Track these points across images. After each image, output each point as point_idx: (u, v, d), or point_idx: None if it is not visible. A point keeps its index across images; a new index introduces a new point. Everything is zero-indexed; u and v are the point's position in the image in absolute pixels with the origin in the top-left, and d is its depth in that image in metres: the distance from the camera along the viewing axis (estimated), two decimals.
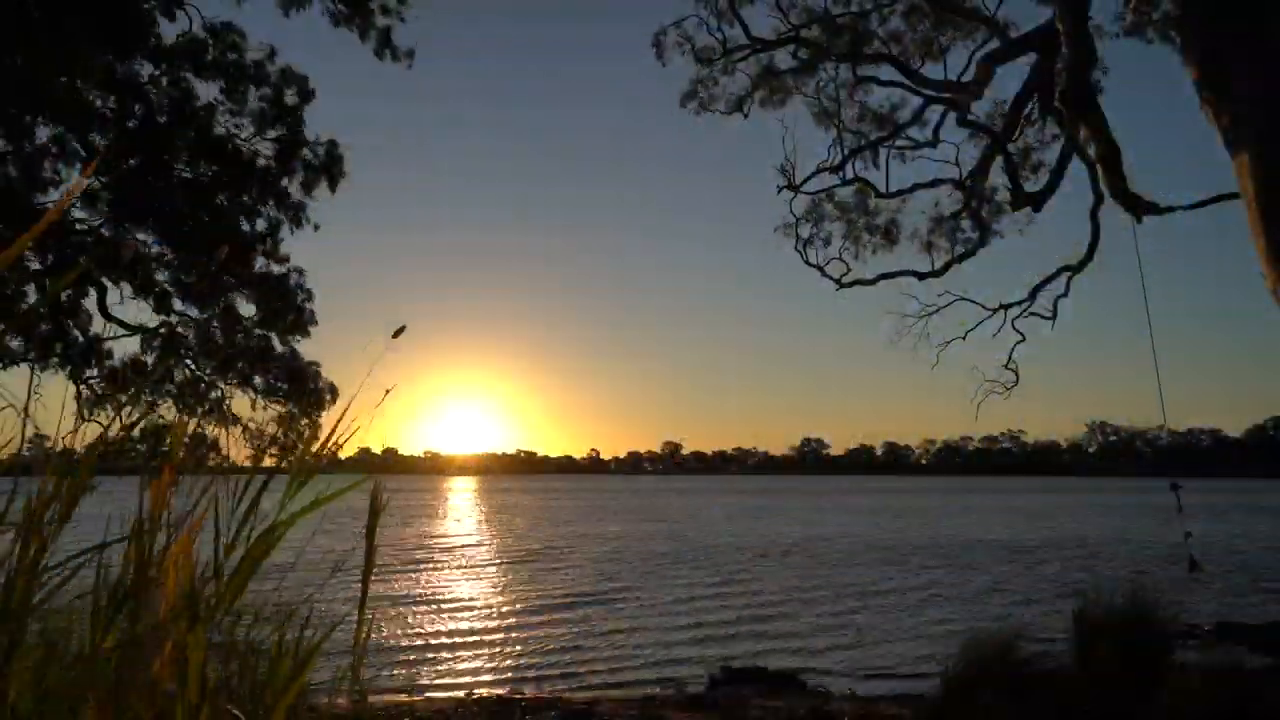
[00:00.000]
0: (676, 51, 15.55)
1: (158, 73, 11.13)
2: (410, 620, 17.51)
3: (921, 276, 15.07)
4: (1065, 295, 14.12)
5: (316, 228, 12.56)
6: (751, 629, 16.43)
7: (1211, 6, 5.91)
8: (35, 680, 1.26)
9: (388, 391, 1.81)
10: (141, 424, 11.46)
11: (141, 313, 11.83)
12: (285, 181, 11.98)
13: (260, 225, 12.16)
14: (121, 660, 1.22)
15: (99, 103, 10.64)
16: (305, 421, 12.20)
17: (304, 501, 1.38)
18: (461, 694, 10.80)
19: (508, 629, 16.67)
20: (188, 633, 1.18)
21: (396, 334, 1.83)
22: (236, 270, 11.67)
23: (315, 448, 1.44)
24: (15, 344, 11.00)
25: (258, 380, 12.21)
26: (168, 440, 1.50)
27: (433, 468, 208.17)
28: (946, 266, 15.09)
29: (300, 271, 12.59)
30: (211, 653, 1.39)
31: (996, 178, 14.07)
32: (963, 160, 15.29)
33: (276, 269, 12.49)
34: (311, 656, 1.41)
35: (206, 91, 11.71)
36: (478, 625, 17.16)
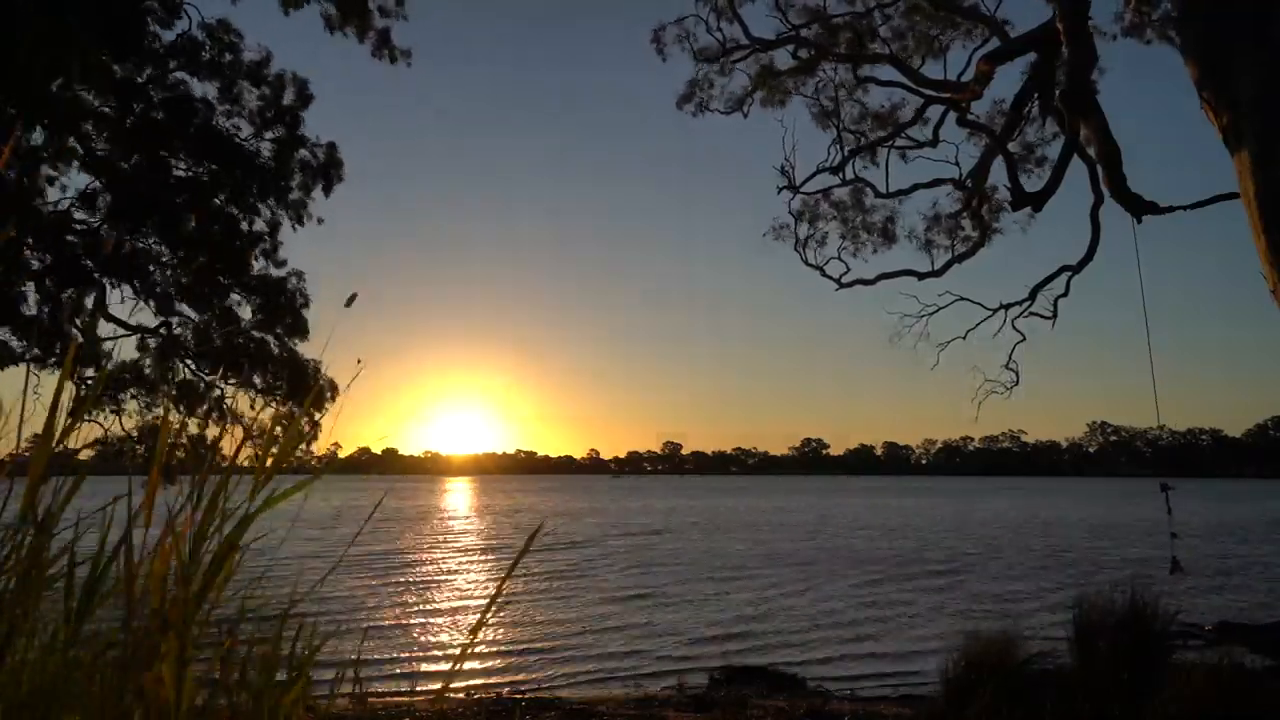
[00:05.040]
0: (675, 49, 15.62)
1: (156, 72, 11.13)
2: (411, 620, 17.51)
3: (921, 276, 15.08)
4: (1065, 295, 14.12)
5: (320, 221, 12.57)
6: (752, 628, 16.42)
7: (1212, 6, 5.90)
8: (33, 677, 1.25)
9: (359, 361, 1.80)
10: (138, 425, 11.46)
11: (141, 313, 11.84)
12: (285, 181, 12.00)
13: (259, 225, 12.17)
14: (117, 663, 1.21)
15: (97, 103, 10.63)
16: (305, 420, 12.19)
17: (311, 503, 1.37)
18: (461, 694, 10.79)
19: (508, 629, 16.66)
20: (162, 640, 1.18)
21: (348, 302, 1.84)
22: (235, 272, 11.68)
23: (297, 445, 1.43)
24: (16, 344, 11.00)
25: (256, 380, 12.22)
26: (160, 441, 1.49)
27: (432, 468, 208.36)
28: (946, 266, 15.10)
29: (299, 276, 12.61)
30: (207, 655, 1.39)
31: (996, 177, 14.08)
32: (962, 160, 15.31)
33: (275, 272, 12.50)
34: (308, 662, 1.40)
35: (205, 91, 11.73)
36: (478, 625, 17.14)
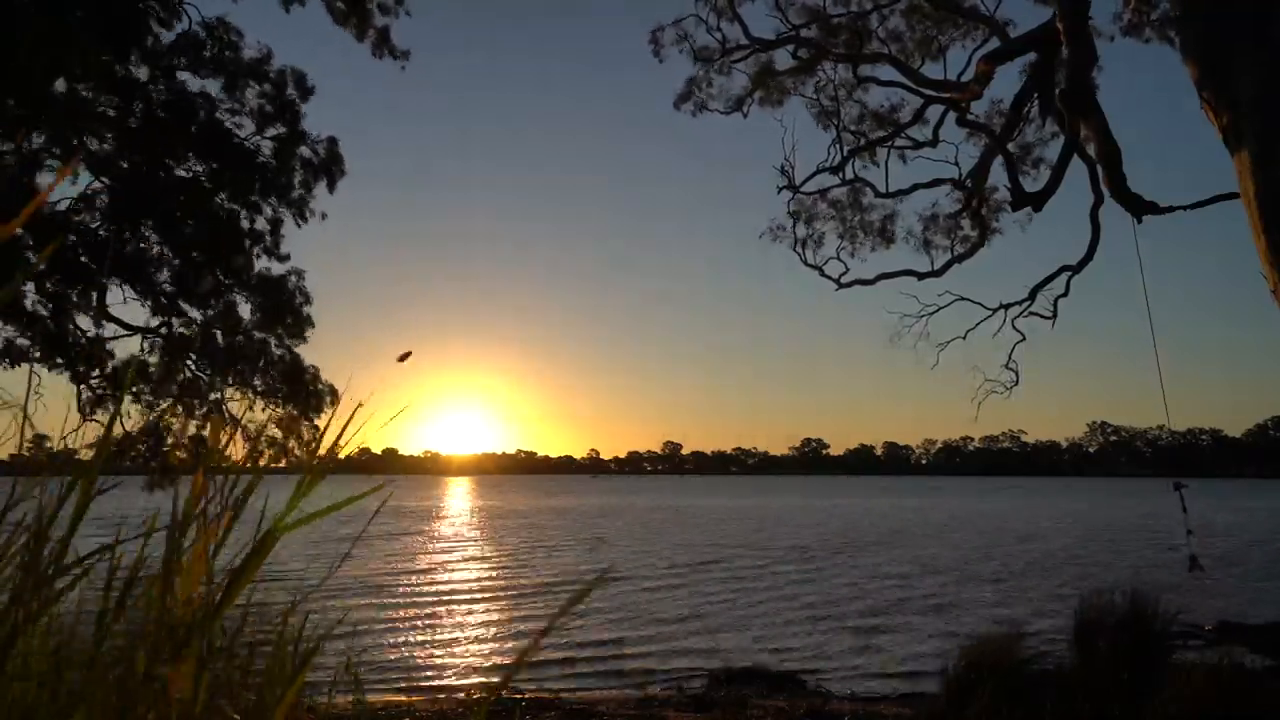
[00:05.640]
0: (673, 50, 15.66)
1: (157, 71, 11.13)
2: (411, 620, 17.51)
3: (921, 276, 15.09)
4: (1065, 295, 14.14)
5: (324, 217, 12.57)
6: (752, 628, 16.42)
7: (1212, 6, 5.90)
8: (48, 680, 1.26)
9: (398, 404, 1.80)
10: (142, 425, 11.46)
11: (141, 313, 11.83)
12: (286, 178, 12.00)
13: (261, 223, 12.16)
14: (130, 662, 1.22)
15: (98, 102, 10.63)
16: (305, 424, 12.20)
17: (313, 503, 1.38)
18: (461, 694, 10.79)
19: (508, 629, 16.67)
20: (190, 641, 1.19)
21: (402, 359, 1.75)
22: (235, 270, 11.66)
23: (326, 448, 1.44)
24: (18, 343, 11.00)
25: (257, 382, 12.21)
26: (191, 440, 1.50)
27: (433, 468, 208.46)
28: (946, 266, 15.11)
29: (300, 274, 12.60)
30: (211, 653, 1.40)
31: (996, 177, 14.10)
32: (962, 160, 15.33)
33: (276, 270, 12.49)
34: (310, 657, 1.41)
35: (205, 89, 11.73)
36: (478, 625, 17.16)
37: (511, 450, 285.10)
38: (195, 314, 12.08)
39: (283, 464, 11.65)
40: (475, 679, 12.58)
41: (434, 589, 22.19)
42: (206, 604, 1.24)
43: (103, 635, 1.23)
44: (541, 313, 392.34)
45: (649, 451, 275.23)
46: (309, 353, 12.66)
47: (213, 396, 12.14)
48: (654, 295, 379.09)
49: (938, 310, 15.44)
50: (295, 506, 1.23)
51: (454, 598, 20.77)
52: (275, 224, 12.32)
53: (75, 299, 11.13)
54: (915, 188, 15.56)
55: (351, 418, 1.40)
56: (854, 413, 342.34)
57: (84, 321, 11.54)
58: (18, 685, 1.16)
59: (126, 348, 12.04)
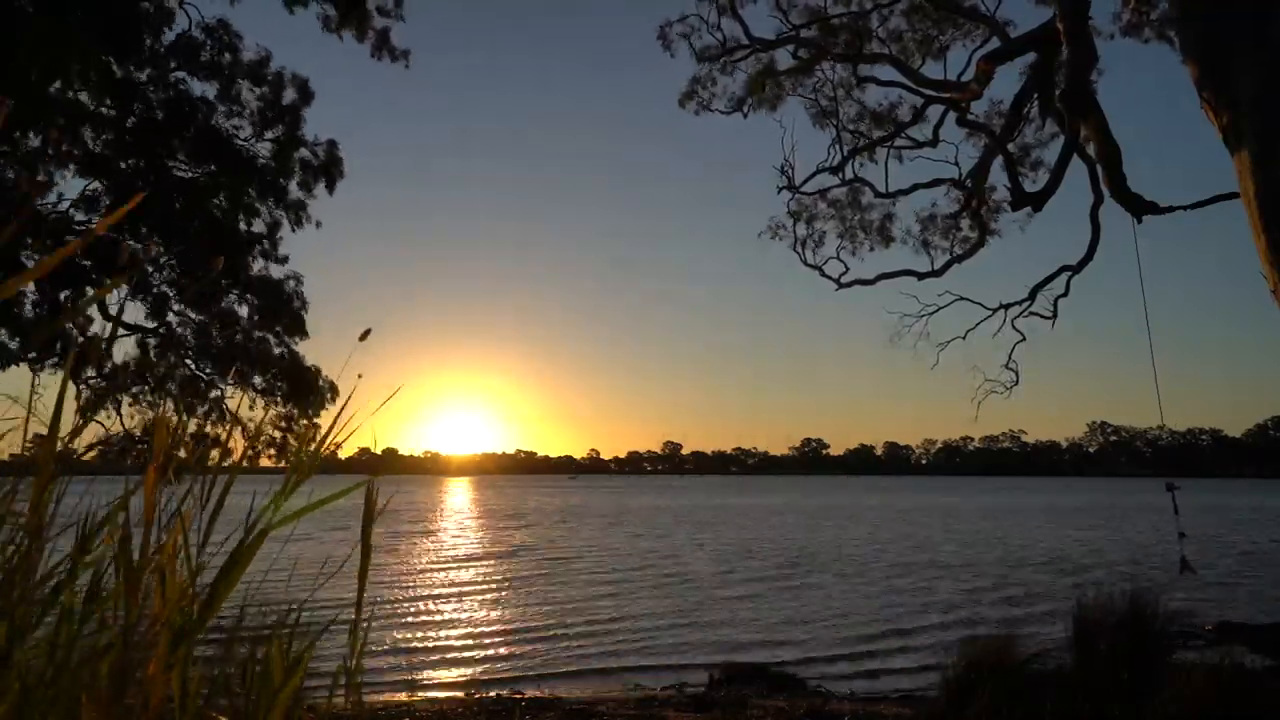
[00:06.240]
0: (682, 45, 15.72)
1: (156, 72, 11.12)
2: (410, 620, 17.50)
3: (921, 276, 15.08)
4: (1065, 295, 14.13)
5: (319, 225, 12.58)
6: (752, 628, 16.42)
7: (1212, 6, 5.90)
8: (42, 677, 1.25)
9: (395, 391, 1.80)
10: (140, 424, 11.44)
11: (141, 313, 11.84)
12: (284, 180, 12.00)
13: (259, 226, 12.17)
14: (116, 663, 1.21)
15: (95, 104, 10.63)
16: (305, 422, 12.20)
17: (300, 503, 1.37)
18: (461, 694, 10.79)
19: (508, 629, 16.66)
20: (171, 645, 1.18)
21: (363, 337, 1.83)
22: (233, 273, 11.66)
23: (313, 447, 1.43)
24: (14, 344, 10.99)
25: (257, 380, 12.21)
26: (164, 438, 1.49)
27: (432, 468, 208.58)
28: (946, 266, 15.10)
29: (298, 278, 12.59)
30: (207, 652, 1.39)
31: (996, 177, 14.09)
32: (962, 160, 15.32)
33: (275, 273, 12.49)
34: (303, 659, 1.40)
35: (204, 91, 11.73)
36: (478, 625, 17.14)
37: (511, 450, 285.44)
38: (193, 315, 12.08)
39: (283, 464, 11.64)
40: (476, 679, 12.57)
41: (433, 587, 22.13)
42: (196, 603, 1.23)
43: (73, 639, 1.22)
44: (541, 313, 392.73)
45: (649, 451, 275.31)
46: (308, 351, 12.68)
47: (214, 394, 12.14)
48: (654, 295, 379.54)
49: (938, 310, 15.44)
50: (281, 504, 1.23)
51: (453, 597, 20.71)
52: (273, 227, 12.34)
53: (73, 299, 11.12)
54: (915, 188, 15.56)
55: (343, 411, 1.40)
56: (854, 413, 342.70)
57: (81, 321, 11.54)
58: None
59: (126, 348, 12.05)
